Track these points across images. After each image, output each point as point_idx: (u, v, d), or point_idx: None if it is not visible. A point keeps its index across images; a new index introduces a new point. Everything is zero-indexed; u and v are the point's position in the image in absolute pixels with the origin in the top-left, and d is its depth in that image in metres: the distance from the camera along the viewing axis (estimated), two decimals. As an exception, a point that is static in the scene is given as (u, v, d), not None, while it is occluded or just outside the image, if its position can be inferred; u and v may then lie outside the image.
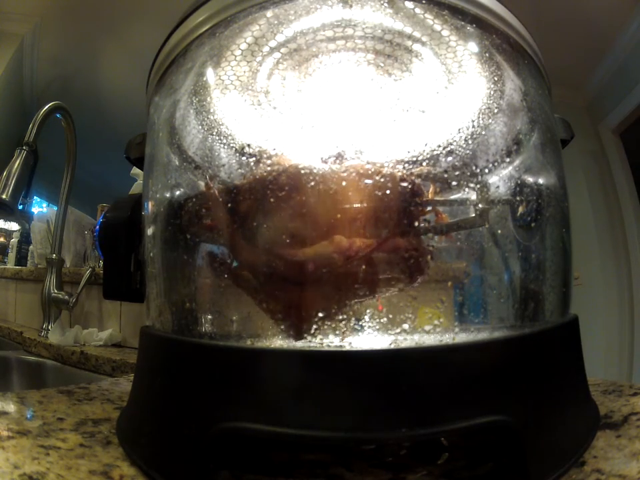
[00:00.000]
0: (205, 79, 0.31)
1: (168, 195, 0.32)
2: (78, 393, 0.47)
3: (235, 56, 0.30)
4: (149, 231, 0.33)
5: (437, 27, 0.30)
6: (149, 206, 0.33)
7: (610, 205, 2.40)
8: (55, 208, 0.99)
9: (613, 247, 2.37)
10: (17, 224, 1.88)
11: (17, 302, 1.23)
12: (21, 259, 1.65)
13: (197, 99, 0.30)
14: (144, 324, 0.34)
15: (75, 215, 1.03)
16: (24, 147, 0.79)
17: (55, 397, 0.45)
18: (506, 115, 0.32)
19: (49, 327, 0.92)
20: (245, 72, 0.30)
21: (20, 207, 0.79)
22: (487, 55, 0.31)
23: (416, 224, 0.28)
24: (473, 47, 0.31)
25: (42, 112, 0.83)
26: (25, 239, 1.61)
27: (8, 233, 1.98)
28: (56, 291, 0.91)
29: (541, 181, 0.33)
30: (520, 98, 0.32)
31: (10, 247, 1.73)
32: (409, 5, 0.29)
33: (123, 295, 0.39)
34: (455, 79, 0.31)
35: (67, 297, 0.90)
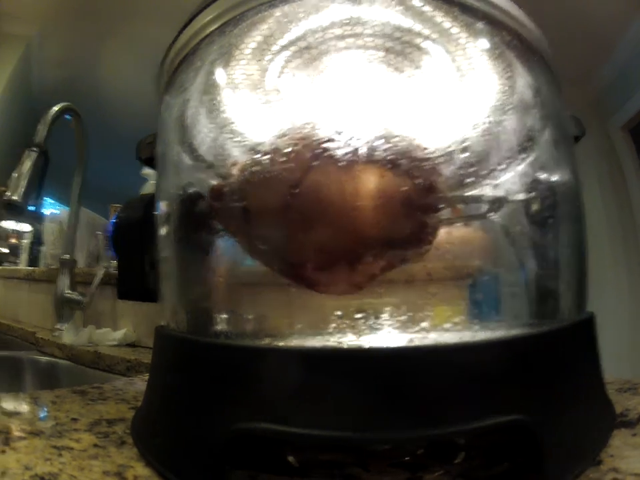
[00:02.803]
0: (214, 77, 0.31)
1: (180, 194, 0.32)
2: (92, 393, 0.47)
3: (245, 54, 0.30)
4: (162, 231, 0.33)
5: (447, 24, 0.30)
6: (162, 205, 0.33)
7: (621, 203, 2.38)
8: (67, 209, 1.00)
9: (624, 245, 2.34)
10: (28, 225, 1.89)
11: (30, 303, 1.24)
12: (33, 260, 1.66)
13: (208, 98, 0.30)
14: (159, 324, 0.34)
15: (87, 215, 1.03)
16: (33, 148, 0.79)
17: (68, 397, 0.45)
18: (518, 112, 0.31)
19: (63, 327, 0.92)
20: (255, 70, 0.30)
21: (32, 208, 0.79)
22: (498, 51, 0.31)
23: (430, 219, 0.28)
24: (483, 43, 0.31)
25: (51, 113, 0.84)
26: (37, 240, 1.62)
27: (20, 234, 2.00)
28: (69, 292, 0.92)
29: (555, 177, 0.33)
30: (532, 95, 0.32)
31: (22, 248, 1.74)
32: (418, 2, 0.29)
33: (137, 295, 0.39)
34: (466, 75, 0.30)
35: (79, 297, 0.90)
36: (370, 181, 0.26)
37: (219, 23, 0.30)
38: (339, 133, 0.26)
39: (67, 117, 0.89)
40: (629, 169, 2.40)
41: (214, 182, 0.29)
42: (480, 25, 0.30)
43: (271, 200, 0.27)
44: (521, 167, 0.30)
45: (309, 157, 0.26)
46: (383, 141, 0.27)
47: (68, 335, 0.89)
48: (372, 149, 0.26)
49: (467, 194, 0.29)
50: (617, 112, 2.42)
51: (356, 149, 0.26)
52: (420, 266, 0.28)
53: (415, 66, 0.29)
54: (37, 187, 0.80)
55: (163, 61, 0.33)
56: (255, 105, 0.30)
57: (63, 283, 0.92)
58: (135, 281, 0.38)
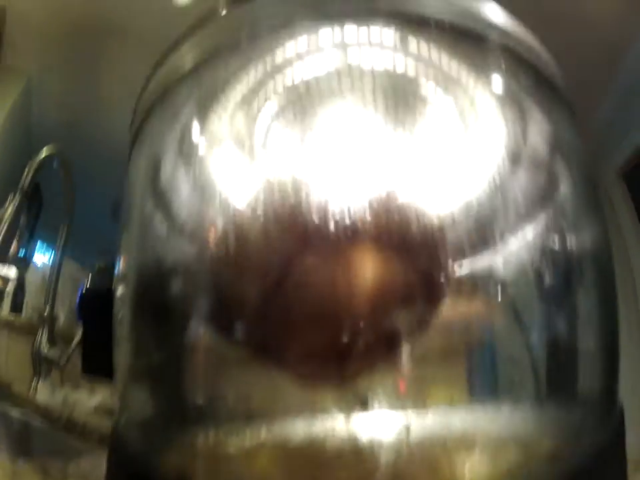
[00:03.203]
0: (192, 129, 0.27)
1: (147, 270, 0.27)
2: (54, 475, 0.42)
3: (228, 103, 0.26)
4: (123, 307, 0.29)
5: (454, 67, 0.26)
6: (125, 273, 0.29)
7: (616, 249, 2.32)
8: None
9: (621, 292, 2.28)
10: (14, 269, 1.83)
11: (9, 351, 1.18)
12: (17, 306, 1.60)
13: (184, 154, 0.26)
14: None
15: (70, 269, 0.99)
16: (17, 193, 0.77)
17: (28, 475, 0.40)
18: (536, 166, 0.28)
19: (38, 386, 0.87)
20: (240, 124, 0.26)
21: (21, 255, 0.77)
22: (512, 96, 0.27)
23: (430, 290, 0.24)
24: (496, 86, 0.27)
25: (37, 158, 0.80)
26: (21, 286, 1.57)
27: (5, 280, 1.94)
28: (47, 349, 0.86)
29: (576, 242, 0.28)
30: (552, 145, 0.28)
31: (5, 293, 1.68)
32: (424, 46, 0.26)
33: (103, 372, 0.34)
34: (475, 128, 0.27)
35: (57, 356, 0.85)
36: (368, 269, 0.23)
37: (193, 64, 0.26)
38: (333, 206, 0.22)
39: (55, 163, 0.85)
40: (624, 216, 2.34)
41: (189, 258, 0.25)
42: (492, 62, 0.26)
43: (250, 292, 0.23)
44: (535, 230, 0.26)
45: (296, 242, 0.22)
46: (382, 214, 0.23)
47: (43, 393, 0.84)
48: (370, 225, 0.22)
49: (475, 268, 0.25)
50: (610, 154, 2.38)
51: (352, 228, 0.22)
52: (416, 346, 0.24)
53: (417, 121, 0.26)
54: (25, 231, 0.77)
55: (135, 111, 0.29)
56: (238, 165, 0.26)
57: (41, 340, 0.87)
58: (101, 357, 0.33)
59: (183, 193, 0.27)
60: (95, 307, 0.34)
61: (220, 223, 0.25)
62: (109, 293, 0.33)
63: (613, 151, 2.34)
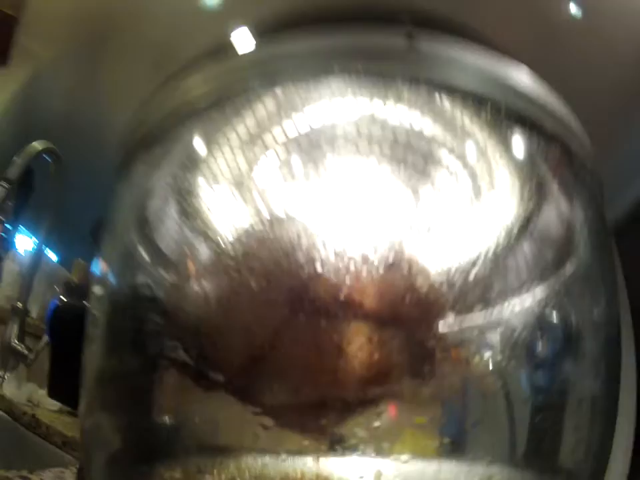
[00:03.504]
0: (187, 168, 0.25)
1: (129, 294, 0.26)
2: None
3: (230, 143, 0.24)
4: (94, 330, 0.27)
5: (474, 133, 0.25)
6: (100, 296, 0.28)
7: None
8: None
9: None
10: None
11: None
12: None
13: (176, 194, 0.25)
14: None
15: (48, 265, 0.97)
16: (3, 183, 0.76)
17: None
18: (544, 243, 0.27)
19: (5, 376, 0.85)
20: (240, 165, 0.25)
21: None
22: (533, 168, 0.26)
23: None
24: (515, 157, 0.26)
25: (30, 149, 0.79)
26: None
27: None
28: (16, 342, 0.84)
29: (578, 321, 0.28)
30: (565, 224, 0.27)
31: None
32: (446, 109, 0.24)
33: (69, 400, 0.32)
34: (486, 193, 0.26)
35: (26, 351, 0.83)
36: (357, 334, 0.22)
37: (202, 98, 0.24)
38: (327, 265, 0.21)
39: (45, 157, 0.83)
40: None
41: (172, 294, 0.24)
42: (514, 134, 0.25)
43: (231, 338, 0.21)
44: (532, 305, 0.26)
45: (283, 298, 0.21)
46: (375, 277, 0.22)
47: (9, 387, 0.82)
48: (362, 289, 0.21)
49: (464, 333, 0.24)
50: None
51: (348, 302, 0.21)
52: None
53: (427, 181, 0.25)
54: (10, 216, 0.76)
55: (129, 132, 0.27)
56: (237, 208, 0.24)
57: (11, 331, 0.84)
58: (69, 383, 0.32)
59: (170, 227, 0.26)
60: (67, 326, 0.32)
61: (207, 261, 0.24)
62: (82, 313, 0.31)
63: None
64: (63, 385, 0.33)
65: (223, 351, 0.23)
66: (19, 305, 0.86)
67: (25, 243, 1.16)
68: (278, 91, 0.23)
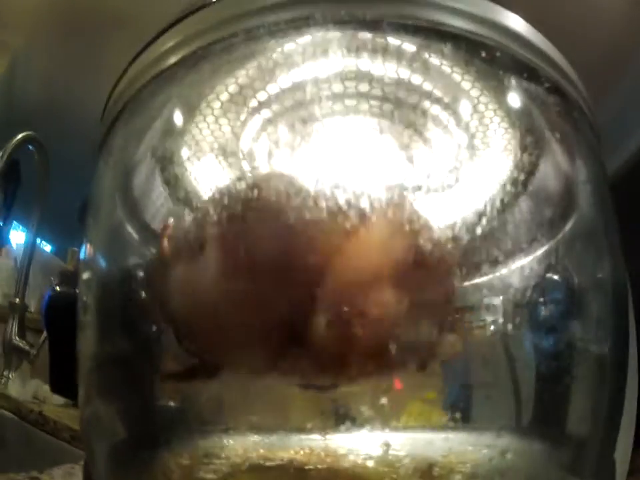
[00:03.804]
0: (169, 136, 0.24)
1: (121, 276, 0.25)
2: None
3: (214, 108, 0.23)
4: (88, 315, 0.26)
5: (467, 85, 0.24)
6: (90, 284, 0.26)
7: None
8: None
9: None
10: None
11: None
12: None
13: (159, 163, 0.24)
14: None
15: (43, 257, 0.96)
16: None
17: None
18: (544, 196, 0.26)
19: (10, 376, 0.84)
20: (224, 132, 0.23)
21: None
22: (530, 118, 0.25)
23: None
24: (511, 107, 0.25)
25: (12, 143, 0.77)
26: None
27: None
28: (17, 339, 0.83)
29: (582, 276, 0.27)
30: (566, 175, 0.26)
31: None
32: (436, 60, 0.23)
33: (72, 394, 0.32)
34: (486, 151, 0.25)
35: (27, 347, 0.82)
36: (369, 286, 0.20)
37: (176, 59, 0.23)
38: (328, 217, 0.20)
39: (30, 147, 0.82)
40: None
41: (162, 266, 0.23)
42: (511, 82, 0.24)
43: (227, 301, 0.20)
44: (534, 262, 0.25)
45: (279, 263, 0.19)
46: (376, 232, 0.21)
47: (14, 386, 0.81)
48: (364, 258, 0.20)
49: (467, 293, 0.23)
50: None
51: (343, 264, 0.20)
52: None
53: (424, 141, 0.23)
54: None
55: (105, 106, 0.26)
56: (221, 174, 0.23)
57: (11, 329, 0.84)
58: (69, 375, 0.31)
59: (157, 199, 0.24)
60: (62, 315, 0.31)
61: (196, 232, 0.23)
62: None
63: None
64: (64, 378, 0.32)
65: (221, 328, 0.22)
66: (17, 300, 0.85)
67: (17, 237, 1.15)
68: (258, 47, 0.22)
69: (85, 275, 0.27)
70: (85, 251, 0.27)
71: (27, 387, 0.80)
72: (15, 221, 1.20)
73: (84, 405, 0.27)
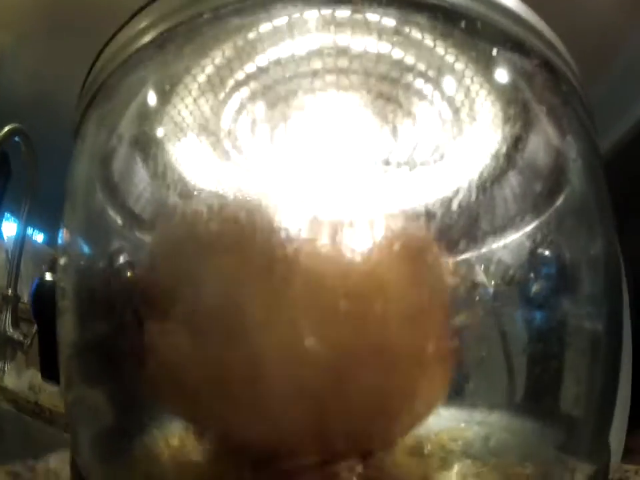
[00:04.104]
0: (147, 117, 0.23)
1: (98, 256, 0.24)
2: (24, 478, 0.41)
3: (190, 89, 0.23)
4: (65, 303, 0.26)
5: (451, 59, 0.23)
6: (67, 269, 0.26)
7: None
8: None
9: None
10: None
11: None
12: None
13: (138, 144, 0.23)
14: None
15: (33, 247, 0.95)
16: None
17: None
18: (532, 172, 0.25)
19: (5, 368, 0.84)
20: (205, 110, 0.23)
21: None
22: (518, 92, 0.24)
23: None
24: (497, 81, 0.25)
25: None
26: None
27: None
28: (11, 330, 0.83)
29: (572, 253, 0.26)
30: (555, 151, 0.26)
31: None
32: (417, 34, 0.23)
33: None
34: (470, 125, 0.24)
35: (21, 337, 0.82)
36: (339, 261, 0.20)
37: (152, 36, 0.22)
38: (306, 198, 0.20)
39: (16, 139, 0.81)
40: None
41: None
42: (495, 51, 0.24)
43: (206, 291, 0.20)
44: (524, 239, 0.24)
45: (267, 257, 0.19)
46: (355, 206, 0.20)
47: (9, 378, 0.81)
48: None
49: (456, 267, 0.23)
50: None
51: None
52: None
53: (408, 116, 0.23)
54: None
55: (84, 86, 0.25)
56: (201, 156, 0.23)
57: (4, 320, 0.83)
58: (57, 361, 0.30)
59: (137, 183, 0.24)
60: (49, 302, 0.31)
61: (177, 214, 0.23)
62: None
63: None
64: (54, 364, 0.32)
65: (203, 307, 0.22)
66: (9, 292, 0.85)
67: (8, 229, 1.14)
68: (234, 22, 0.21)
69: (62, 261, 0.26)
70: (62, 236, 0.26)
71: (22, 378, 0.80)
72: (5, 213, 1.19)
73: (66, 391, 0.27)
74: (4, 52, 1.84)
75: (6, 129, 0.78)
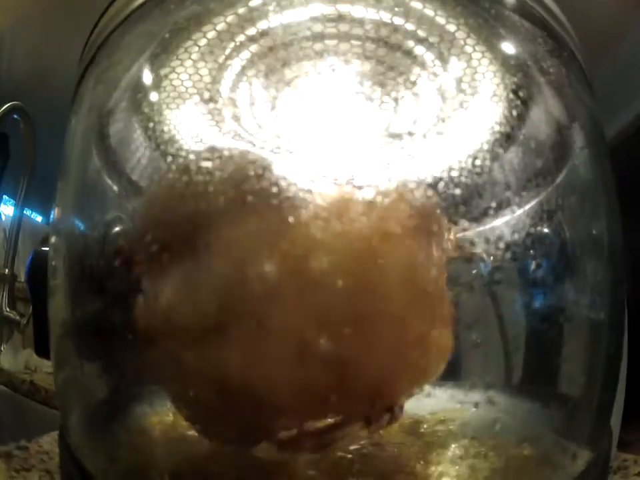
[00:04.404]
0: (146, 82, 0.23)
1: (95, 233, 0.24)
2: (17, 459, 0.40)
3: (189, 53, 0.22)
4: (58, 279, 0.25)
5: (452, 27, 0.23)
6: (61, 242, 0.25)
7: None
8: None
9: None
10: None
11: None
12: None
13: (136, 109, 0.23)
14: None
15: (30, 225, 0.95)
16: None
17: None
18: (536, 144, 0.25)
19: (1, 348, 0.84)
20: (204, 76, 0.22)
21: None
22: (521, 62, 0.24)
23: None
24: (501, 52, 0.24)
25: (-1, 113, 0.76)
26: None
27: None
28: (7, 310, 0.83)
29: (577, 230, 0.26)
30: (559, 124, 0.25)
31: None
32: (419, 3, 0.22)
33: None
34: (472, 96, 0.24)
35: (18, 317, 0.82)
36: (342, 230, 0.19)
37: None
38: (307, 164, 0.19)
39: (15, 116, 0.80)
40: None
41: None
42: (499, 25, 0.23)
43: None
44: (526, 215, 0.24)
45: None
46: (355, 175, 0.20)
47: (5, 357, 0.81)
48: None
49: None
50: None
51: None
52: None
53: (407, 84, 0.22)
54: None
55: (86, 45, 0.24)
56: (201, 122, 0.22)
57: (1, 300, 0.83)
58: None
59: (136, 149, 0.23)
60: (43, 274, 0.30)
61: (177, 182, 0.22)
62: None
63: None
64: (47, 340, 0.32)
65: (200, 276, 0.21)
66: (6, 271, 0.84)
67: (6, 209, 1.14)
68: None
69: (54, 239, 0.26)
70: (54, 213, 0.26)
71: (18, 358, 0.80)
72: (4, 195, 1.19)
73: (57, 369, 0.26)
74: (3, 32, 1.83)
75: (5, 106, 0.77)
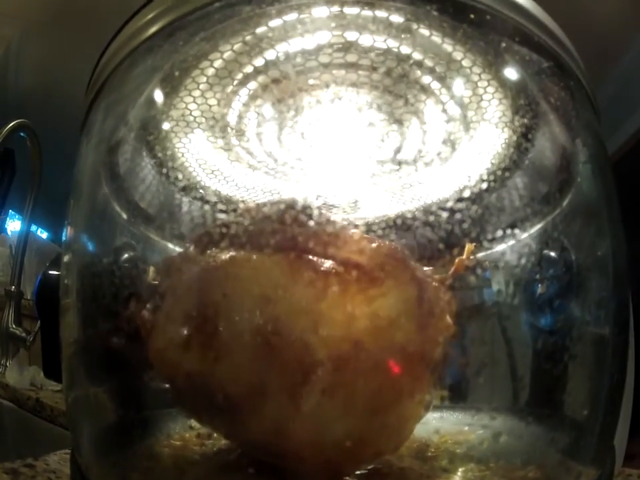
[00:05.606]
0: (154, 110, 0.23)
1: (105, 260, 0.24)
2: (24, 476, 0.39)
3: (198, 83, 0.22)
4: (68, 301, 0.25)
5: (459, 56, 0.23)
6: (71, 266, 0.26)
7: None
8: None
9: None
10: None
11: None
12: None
13: (145, 137, 0.23)
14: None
15: (37, 243, 0.95)
16: None
17: (-2, 479, 0.37)
18: (539, 171, 0.25)
19: (7, 364, 0.84)
20: (212, 106, 0.23)
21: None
22: (525, 89, 0.24)
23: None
24: (506, 78, 0.24)
25: (5, 130, 0.76)
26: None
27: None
28: (14, 326, 0.83)
29: (580, 254, 0.26)
30: (562, 149, 0.25)
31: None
32: (425, 32, 0.22)
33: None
34: (476, 126, 0.24)
35: (24, 334, 0.81)
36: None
37: (157, 28, 0.21)
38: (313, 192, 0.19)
39: (22, 134, 0.81)
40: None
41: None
42: (505, 52, 0.23)
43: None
44: (530, 240, 0.24)
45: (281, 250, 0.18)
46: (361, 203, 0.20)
47: (11, 374, 0.80)
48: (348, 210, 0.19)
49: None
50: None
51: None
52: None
53: (414, 114, 0.22)
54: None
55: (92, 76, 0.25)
56: (210, 150, 0.22)
57: (7, 316, 0.83)
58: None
59: (144, 177, 0.24)
60: (52, 297, 0.30)
61: (186, 210, 0.22)
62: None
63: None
64: (57, 362, 0.32)
65: (212, 300, 0.21)
66: (12, 288, 0.84)
67: (13, 225, 1.14)
68: (244, 10, 0.21)
69: (66, 258, 0.26)
70: (67, 233, 0.26)
71: (24, 375, 0.79)
72: (10, 210, 1.19)
73: (68, 390, 0.26)
74: (10, 47, 1.85)
75: (12, 123, 0.78)
